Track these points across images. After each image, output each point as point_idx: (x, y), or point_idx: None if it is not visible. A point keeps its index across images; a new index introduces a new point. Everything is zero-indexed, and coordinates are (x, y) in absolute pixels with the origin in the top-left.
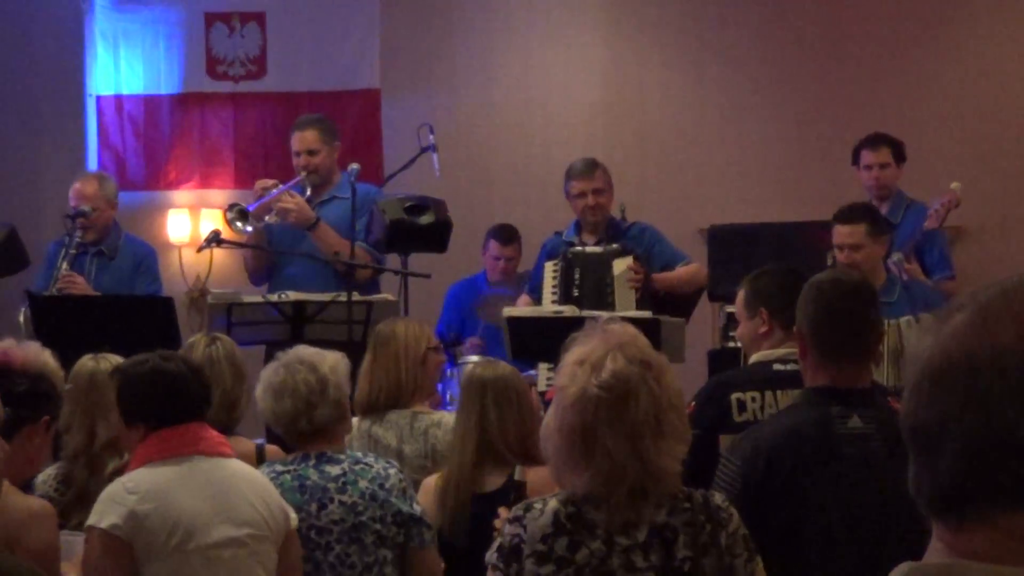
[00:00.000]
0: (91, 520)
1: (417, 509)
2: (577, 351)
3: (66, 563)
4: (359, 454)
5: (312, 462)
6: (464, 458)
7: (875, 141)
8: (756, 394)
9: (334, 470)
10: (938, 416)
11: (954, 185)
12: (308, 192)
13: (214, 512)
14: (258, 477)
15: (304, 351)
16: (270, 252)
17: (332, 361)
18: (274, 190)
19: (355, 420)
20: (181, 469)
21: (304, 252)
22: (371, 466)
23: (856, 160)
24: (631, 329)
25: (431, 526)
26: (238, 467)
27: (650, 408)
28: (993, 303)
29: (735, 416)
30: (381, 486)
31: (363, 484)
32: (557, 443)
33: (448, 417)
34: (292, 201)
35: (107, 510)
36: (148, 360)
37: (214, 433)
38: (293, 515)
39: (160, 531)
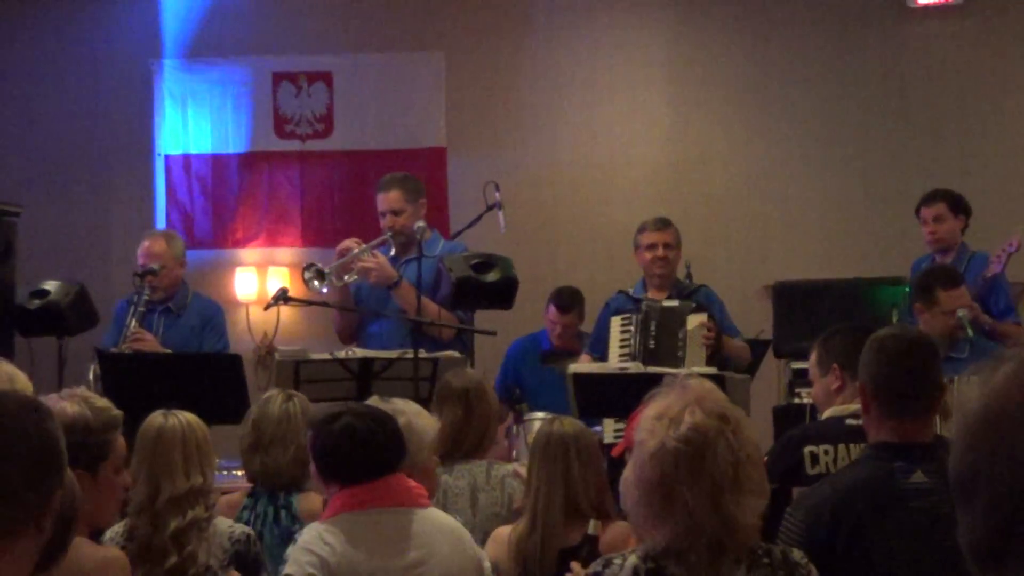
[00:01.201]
0: (288, 569)
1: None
2: (656, 406)
3: None
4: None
5: None
6: (552, 514)
7: (931, 197)
8: (829, 447)
9: None
10: (971, 467)
11: (1018, 230)
12: (392, 251)
13: (405, 565)
14: (454, 527)
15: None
16: (347, 311)
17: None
18: (356, 250)
19: None
20: (376, 521)
21: (383, 312)
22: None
23: (918, 216)
24: (709, 384)
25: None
26: (435, 518)
27: (728, 461)
28: None
29: (808, 469)
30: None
31: None
32: (636, 497)
33: (522, 469)
34: (373, 260)
35: (301, 559)
36: (342, 416)
37: (410, 483)
38: (487, 564)
39: None
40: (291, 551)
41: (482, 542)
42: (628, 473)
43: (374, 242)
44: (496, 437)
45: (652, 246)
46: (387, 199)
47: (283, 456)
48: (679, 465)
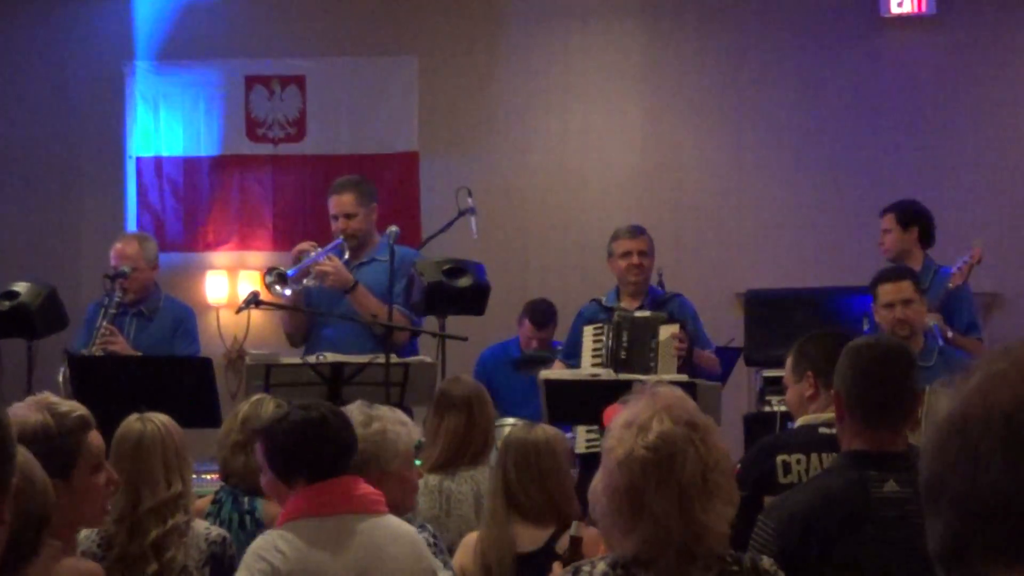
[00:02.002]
0: (239, 574)
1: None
2: (625, 413)
3: None
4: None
5: None
6: (496, 517)
7: (884, 209)
8: (801, 456)
9: None
10: (937, 475)
11: (976, 242)
12: (347, 255)
13: (357, 572)
14: (408, 535)
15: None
16: (308, 314)
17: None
18: (312, 253)
19: (423, 477)
20: (329, 527)
21: (342, 314)
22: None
23: None
24: (678, 392)
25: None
26: (389, 525)
27: (697, 469)
28: (999, 366)
29: (780, 478)
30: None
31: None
32: (604, 505)
33: None
34: (330, 264)
35: (253, 565)
36: (290, 413)
37: (368, 488)
38: (441, 571)
39: None
40: (245, 556)
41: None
42: (596, 481)
43: (329, 246)
44: (494, 443)
45: (627, 254)
46: (340, 202)
47: None
48: (647, 473)
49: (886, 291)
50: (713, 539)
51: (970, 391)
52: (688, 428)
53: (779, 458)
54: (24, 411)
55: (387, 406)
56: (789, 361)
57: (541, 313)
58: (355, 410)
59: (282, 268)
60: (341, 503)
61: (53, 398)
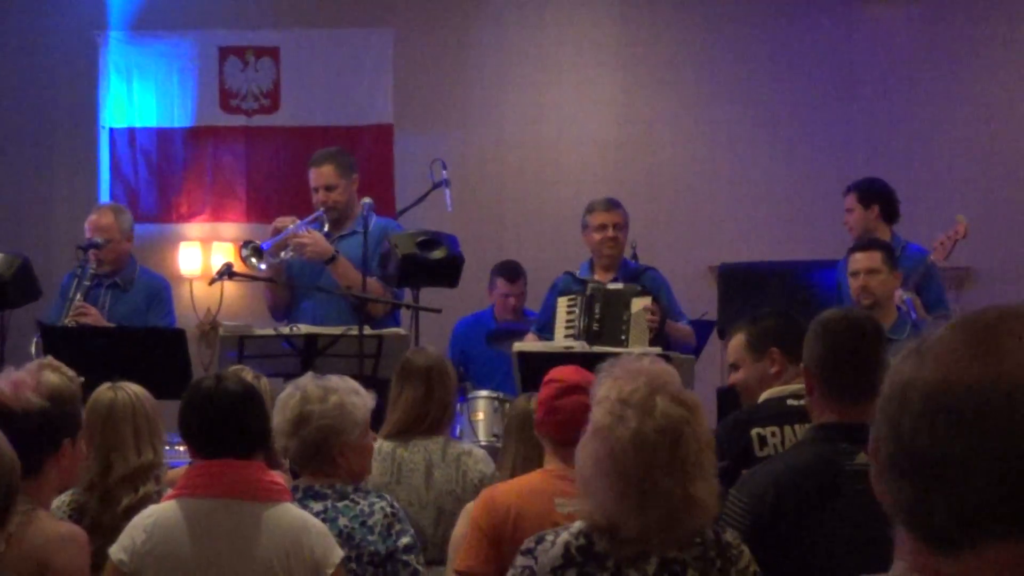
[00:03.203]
0: (111, 549)
1: (402, 543)
2: (614, 387)
3: None
4: (351, 487)
5: (299, 495)
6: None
7: (846, 188)
8: (775, 429)
9: (316, 506)
10: (944, 450)
11: (959, 217)
12: (326, 227)
13: (219, 564)
14: (294, 527)
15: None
16: (285, 286)
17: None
18: (291, 226)
19: (377, 442)
20: (203, 510)
21: (319, 287)
22: (356, 503)
23: None
24: (667, 367)
25: (410, 563)
26: (274, 515)
27: (694, 449)
28: (930, 343)
29: (757, 451)
30: (363, 523)
31: (342, 522)
32: (607, 484)
33: (476, 449)
34: (309, 236)
35: (123, 541)
36: (204, 382)
37: (266, 476)
38: (330, 563)
39: (157, 574)
40: (125, 529)
41: (435, 518)
42: (595, 458)
43: (308, 218)
44: (454, 415)
45: (602, 227)
46: (320, 174)
47: None
48: (657, 455)
49: (854, 259)
50: (704, 513)
51: (898, 364)
52: (687, 409)
53: (754, 431)
54: (44, 372)
55: (339, 376)
56: (741, 341)
57: (510, 267)
58: (309, 385)
59: (257, 242)
60: (233, 488)
61: (55, 361)
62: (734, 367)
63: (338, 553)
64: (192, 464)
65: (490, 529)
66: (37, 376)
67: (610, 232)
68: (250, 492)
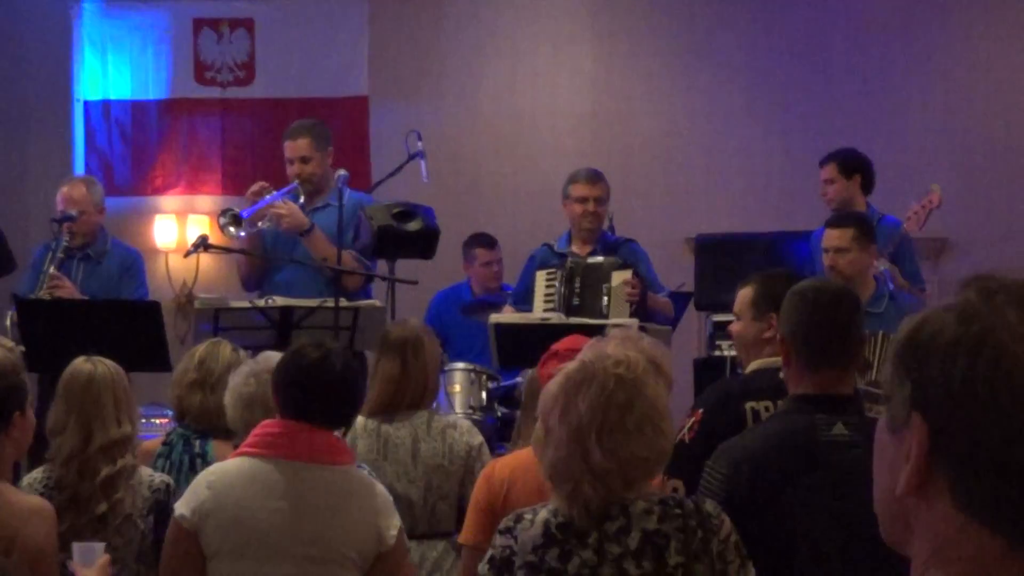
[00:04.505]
0: (176, 504)
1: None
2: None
3: (87, 570)
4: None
5: None
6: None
7: (825, 158)
8: (769, 403)
9: None
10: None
11: (934, 186)
12: (302, 199)
13: (282, 524)
14: (357, 494)
15: (276, 359)
16: (260, 258)
17: None
18: (267, 196)
19: (360, 419)
20: (267, 470)
21: (295, 258)
22: None
23: None
24: (635, 333)
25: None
26: (340, 479)
27: (642, 410)
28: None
29: (751, 425)
30: None
31: None
32: (555, 439)
33: (461, 421)
34: (285, 207)
35: (186, 498)
36: (321, 347)
37: (333, 440)
38: (391, 534)
39: (219, 531)
40: (191, 484)
41: (423, 493)
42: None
43: (283, 189)
44: (438, 387)
45: (582, 200)
46: (296, 147)
47: (222, 399)
48: (609, 414)
49: (826, 236)
50: (647, 471)
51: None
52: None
53: (748, 405)
54: None
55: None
56: (748, 294)
57: (486, 237)
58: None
59: (236, 210)
60: (286, 447)
61: None
62: (736, 316)
63: (397, 521)
64: (261, 424)
65: (486, 502)
66: None
67: (591, 206)
68: (315, 455)
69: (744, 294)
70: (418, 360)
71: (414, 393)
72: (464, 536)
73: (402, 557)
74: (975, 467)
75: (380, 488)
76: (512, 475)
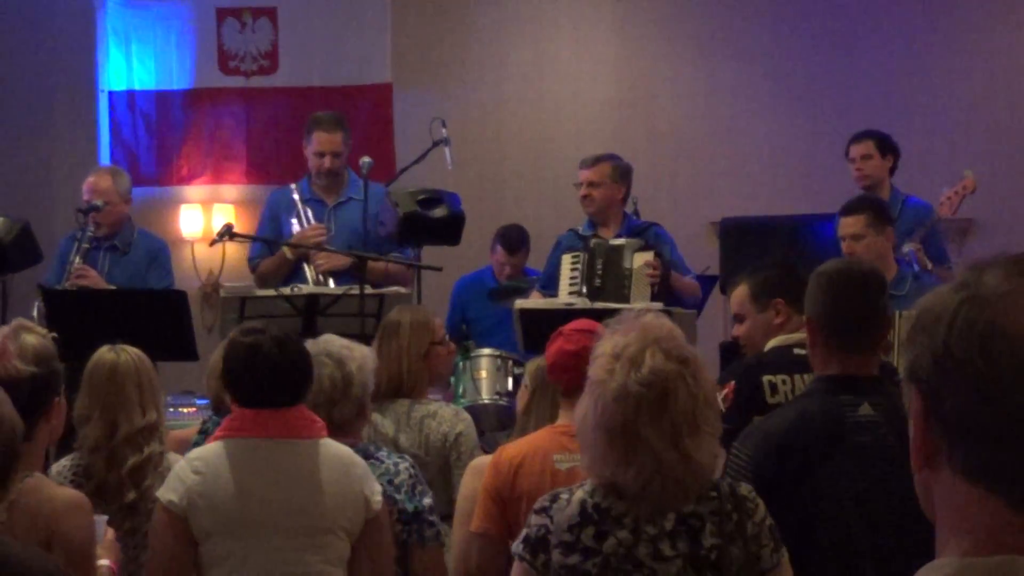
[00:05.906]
0: (159, 492)
1: (425, 503)
2: (611, 342)
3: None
4: (372, 447)
5: None
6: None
7: (859, 135)
8: (786, 377)
9: None
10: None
11: (967, 172)
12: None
13: (272, 499)
14: (339, 464)
15: (332, 344)
16: (289, 246)
17: (360, 358)
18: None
19: None
20: (249, 449)
21: (325, 247)
22: (381, 461)
23: (847, 156)
24: (667, 323)
25: (435, 523)
26: (319, 451)
27: (688, 405)
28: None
29: (768, 397)
30: (390, 482)
31: None
32: (595, 438)
33: (444, 409)
34: (324, 259)
35: (171, 484)
36: (254, 333)
37: (306, 414)
38: (376, 500)
39: (210, 513)
40: (169, 475)
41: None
42: (586, 412)
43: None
44: (431, 378)
45: (579, 184)
46: (332, 141)
47: None
48: (641, 409)
49: (841, 224)
50: (702, 472)
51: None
52: (680, 363)
53: (765, 378)
54: (24, 335)
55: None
56: (743, 293)
57: (512, 239)
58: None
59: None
60: (272, 428)
61: (28, 321)
62: (738, 319)
63: (379, 488)
64: (233, 411)
65: (493, 488)
66: (16, 341)
67: (584, 191)
68: (290, 430)
69: (739, 294)
70: (390, 346)
71: (389, 380)
72: (474, 523)
73: (387, 521)
74: (963, 431)
75: (357, 457)
76: (521, 460)
